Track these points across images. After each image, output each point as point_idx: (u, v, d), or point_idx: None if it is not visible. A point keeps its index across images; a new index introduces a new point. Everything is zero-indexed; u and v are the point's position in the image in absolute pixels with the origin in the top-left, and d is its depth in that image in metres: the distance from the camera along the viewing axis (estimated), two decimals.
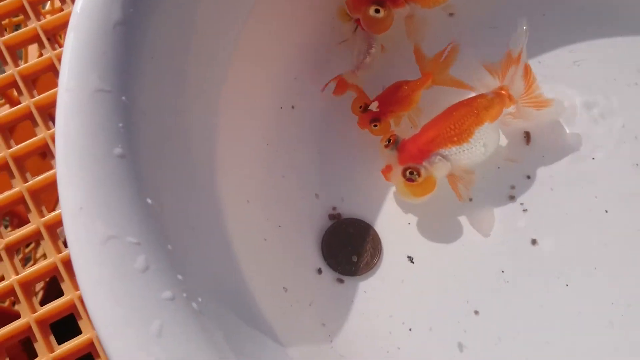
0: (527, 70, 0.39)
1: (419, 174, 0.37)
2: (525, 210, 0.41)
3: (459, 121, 0.38)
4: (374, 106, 0.42)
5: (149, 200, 0.28)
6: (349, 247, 0.40)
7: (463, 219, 0.41)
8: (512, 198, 0.41)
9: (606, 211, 0.40)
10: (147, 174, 0.29)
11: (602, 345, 0.37)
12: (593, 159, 0.42)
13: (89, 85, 0.28)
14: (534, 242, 0.40)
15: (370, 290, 0.39)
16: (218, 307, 0.29)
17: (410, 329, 0.38)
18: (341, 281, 0.39)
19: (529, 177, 0.42)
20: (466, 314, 0.38)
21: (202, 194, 0.33)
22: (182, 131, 0.33)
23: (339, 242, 0.40)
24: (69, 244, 0.26)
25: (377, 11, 0.42)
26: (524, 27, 0.39)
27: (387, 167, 0.39)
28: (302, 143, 0.42)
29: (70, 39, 0.29)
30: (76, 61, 0.29)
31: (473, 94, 0.41)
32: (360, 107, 0.42)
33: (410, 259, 0.40)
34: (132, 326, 0.25)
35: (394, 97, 0.42)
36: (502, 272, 0.39)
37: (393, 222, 0.41)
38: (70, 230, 0.26)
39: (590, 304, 0.38)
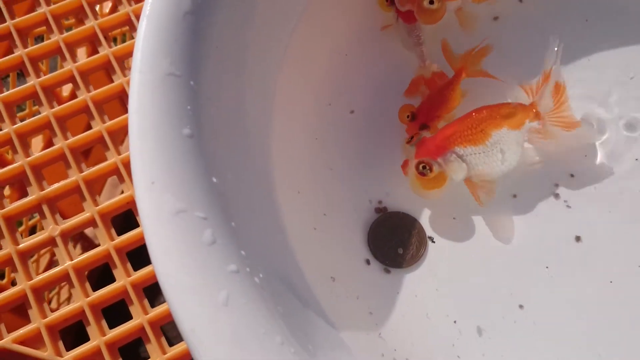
0: (558, 89, 0.39)
1: (430, 169, 0.38)
2: (568, 207, 0.41)
3: (477, 121, 0.39)
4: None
5: (214, 179, 0.29)
6: (394, 240, 0.41)
7: (507, 216, 0.41)
8: (556, 196, 0.42)
9: None
10: (213, 154, 0.30)
11: None
12: (637, 159, 0.42)
13: (161, 69, 0.30)
14: (577, 239, 0.40)
15: (416, 282, 0.40)
16: (277, 285, 0.30)
17: (455, 321, 0.39)
18: (388, 271, 0.40)
19: (572, 175, 0.42)
20: (511, 308, 0.39)
21: (259, 179, 0.34)
22: (242, 118, 0.34)
23: (385, 234, 0.41)
24: (141, 216, 0.27)
25: (431, 2, 0.44)
26: (556, 47, 0.39)
27: (405, 162, 0.40)
28: (349, 138, 0.43)
29: (143, 26, 0.31)
30: (149, 47, 0.30)
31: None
32: (408, 116, 0.43)
33: (453, 253, 0.41)
34: (201, 295, 0.26)
35: (437, 102, 0.43)
36: (547, 267, 0.40)
37: (439, 216, 0.41)
38: (143, 202, 0.27)
39: (634, 303, 0.39)
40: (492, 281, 0.40)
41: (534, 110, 0.40)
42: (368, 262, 0.40)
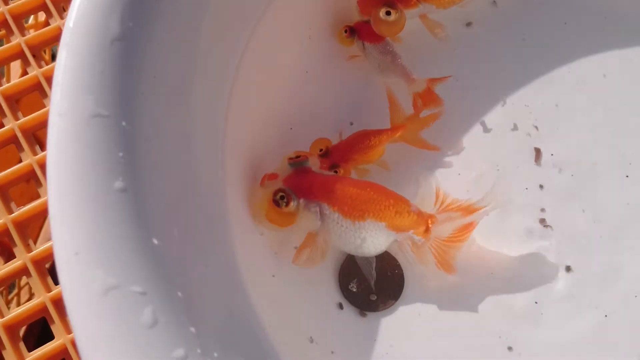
0: (466, 228, 0.34)
1: (287, 204, 0.33)
2: (557, 237, 0.38)
3: (364, 199, 0.33)
4: None
5: (155, 241, 0.25)
6: (367, 282, 0.36)
7: (490, 251, 0.37)
8: (542, 221, 0.38)
9: None
10: (153, 209, 0.25)
11: None
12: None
13: (84, 110, 0.25)
14: (568, 269, 0.37)
15: (395, 326, 0.36)
16: None
17: None
18: (364, 315, 0.36)
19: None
20: (500, 350, 0.35)
21: (212, 226, 0.30)
22: (188, 160, 0.29)
23: (358, 275, 0.37)
24: (64, 296, 0.22)
25: (388, 13, 0.40)
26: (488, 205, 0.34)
27: (272, 174, 0.34)
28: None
29: (63, 57, 0.26)
30: (70, 82, 0.25)
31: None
32: (321, 150, 0.38)
33: (436, 292, 0.37)
34: None
35: (358, 146, 0.38)
36: (536, 303, 0.36)
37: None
38: (65, 279, 0.23)
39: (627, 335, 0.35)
40: (478, 321, 0.36)
41: (426, 228, 0.34)
42: (341, 306, 0.36)
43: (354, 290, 0.36)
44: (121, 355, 0.22)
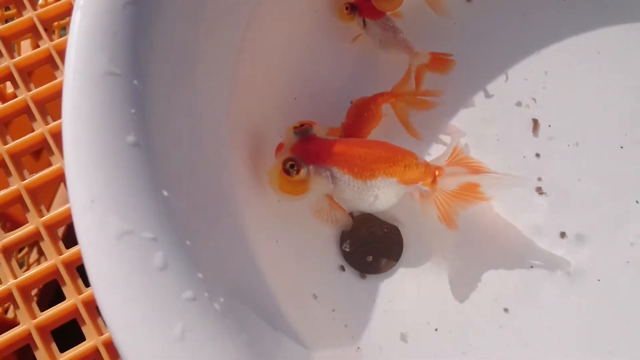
0: (472, 188, 0.35)
1: (297, 172, 0.34)
2: (550, 204, 0.39)
3: (372, 158, 0.34)
4: None
5: (165, 193, 0.26)
6: (369, 245, 0.38)
7: (488, 217, 0.39)
8: (539, 189, 0.39)
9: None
10: (163, 163, 0.27)
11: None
12: None
13: (98, 68, 0.26)
14: (562, 235, 0.38)
15: (393, 288, 0.37)
16: (240, 308, 0.27)
17: (436, 329, 0.36)
18: (363, 277, 0.37)
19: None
20: (496, 311, 0.36)
21: (217, 185, 0.31)
22: (195, 119, 0.31)
23: (358, 238, 0.38)
24: (79, 241, 0.24)
25: None
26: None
27: (280, 145, 0.35)
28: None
29: (77, 18, 0.27)
30: (84, 42, 0.27)
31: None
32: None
33: (435, 255, 0.38)
34: (153, 329, 0.22)
35: (360, 119, 0.39)
36: (531, 267, 0.37)
37: (416, 218, 0.38)
38: (81, 225, 0.24)
39: (624, 300, 0.37)
40: (475, 284, 0.37)
41: (433, 179, 0.35)
42: (343, 268, 0.37)
43: (347, 250, 0.37)
44: (135, 295, 0.23)
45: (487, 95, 0.42)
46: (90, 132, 0.25)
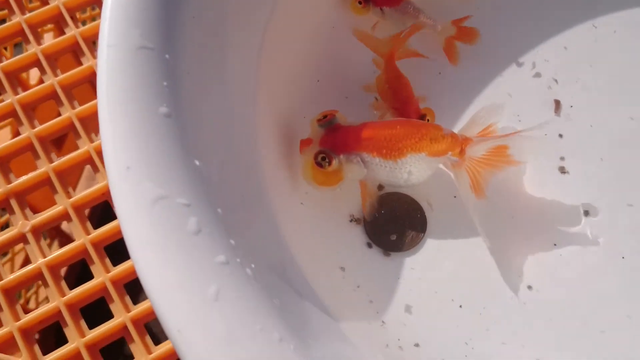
0: (501, 151, 0.35)
1: (329, 163, 0.35)
2: (576, 183, 0.39)
3: (398, 137, 0.35)
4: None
5: (197, 162, 0.26)
6: (392, 224, 0.38)
7: (512, 194, 0.39)
8: (562, 169, 0.40)
9: None
10: (194, 134, 0.27)
11: None
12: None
13: (132, 42, 0.27)
14: (586, 213, 0.38)
15: (417, 266, 0.37)
16: (270, 276, 0.27)
17: (460, 306, 0.36)
18: (387, 255, 0.37)
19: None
20: (519, 289, 0.37)
21: (245, 160, 0.31)
22: (224, 94, 0.31)
23: (382, 217, 0.38)
24: (116, 206, 0.24)
25: None
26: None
27: (307, 139, 0.36)
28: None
29: None
30: (117, 17, 0.27)
31: None
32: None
33: (459, 233, 0.38)
34: (188, 291, 0.23)
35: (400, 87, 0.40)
36: (555, 245, 0.38)
37: (440, 196, 0.39)
38: (118, 192, 0.24)
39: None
40: (499, 260, 0.37)
41: (461, 149, 0.36)
42: (369, 245, 0.38)
43: (371, 229, 0.38)
44: (171, 257, 0.23)
45: (509, 77, 0.42)
46: (124, 102, 0.26)
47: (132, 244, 0.24)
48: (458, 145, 0.36)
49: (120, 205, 0.24)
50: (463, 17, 0.42)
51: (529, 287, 0.37)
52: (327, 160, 0.35)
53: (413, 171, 0.36)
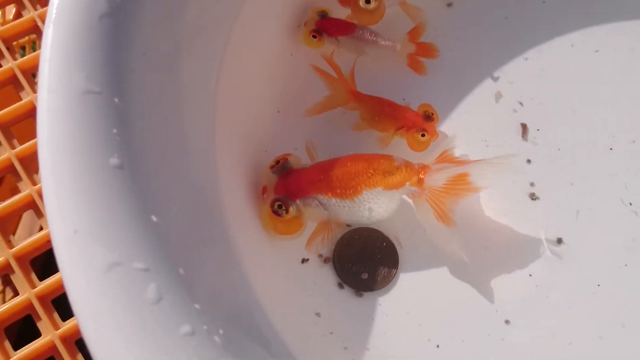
0: (461, 178, 0.34)
1: (287, 210, 0.33)
2: (547, 210, 0.38)
3: (350, 175, 0.34)
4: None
5: (154, 218, 0.24)
6: (363, 261, 0.36)
7: (483, 224, 0.37)
8: (532, 195, 0.39)
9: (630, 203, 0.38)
10: (149, 186, 0.25)
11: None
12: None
13: (76, 86, 0.24)
14: (559, 241, 0.37)
15: (390, 305, 0.35)
16: (241, 339, 0.25)
17: (437, 346, 0.35)
18: (360, 295, 0.35)
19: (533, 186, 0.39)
20: (497, 324, 0.35)
21: (206, 205, 0.29)
22: (181, 137, 0.29)
23: (352, 255, 0.36)
24: (63, 275, 0.22)
25: (367, 1, 0.40)
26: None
27: (263, 188, 0.35)
28: (300, 149, 0.38)
29: (50, 33, 0.25)
30: (59, 58, 0.24)
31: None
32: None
33: (431, 269, 0.37)
34: None
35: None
36: (530, 275, 0.36)
37: (410, 229, 0.37)
38: (64, 258, 0.22)
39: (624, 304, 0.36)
40: (474, 295, 0.36)
41: (419, 178, 0.34)
42: (341, 285, 0.36)
43: (342, 268, 0.36)
44: (128, 332, 0.21)
45: (474, 101, 0.41)
46: (70, 155, 0.23)
47: (83, 321, 0.21)
48: (415, 175, 0.34)
49: (67, 275, 0.21)
50: (415, 28, 0.41)
51: (507, 322, 0.35)
52: (283, 208, 0.33)
53: (374, 207, 0.34)
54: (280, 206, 0.33)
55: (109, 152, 0.24)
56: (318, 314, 0.34)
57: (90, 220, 0.22)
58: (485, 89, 0.42)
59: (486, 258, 0.37)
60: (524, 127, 0.40)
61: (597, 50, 0.43)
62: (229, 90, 0.34)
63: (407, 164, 0.34)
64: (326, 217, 0.34)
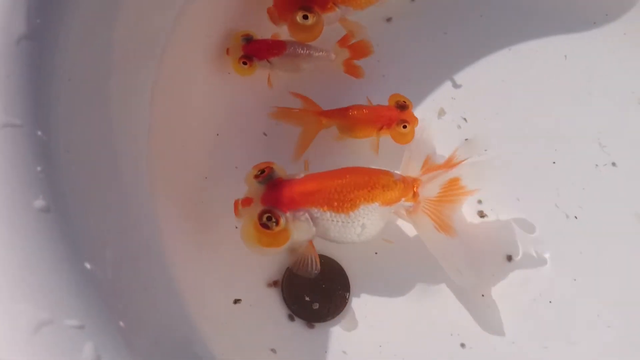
0: (454, 184, 0.34)
1: (277, 223, 0.30)
2: (495, 226, 0.38)
3: (349, 187, 0.32)
4: None
5: (88, 265, 0.21)
6: (313, 290, 0.34)
7: (431, 247, 0.37)
8: (480, 213, 0.38)
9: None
10: (81, 229, 0.22)
11: None
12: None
13: None
14: (509, 258, 0.37)
15: (342, 337, 0.34)
16: None
17: None
18: (312, 326, 0.34)
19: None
20: (453, 348, 0.34)
21: (145, 243, 0.27)
22: (114, 167, 0.26)
23: (302, 284, 0.34)
24: None
25: (305, 17, 0.38)
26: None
27: (246, 200, 0.31)
28: (240, 167, 0.36)
29: None
30: None
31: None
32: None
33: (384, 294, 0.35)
34: None
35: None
36: (482, 296, 0.36)
37: (358, 253, 0.36)
38: None
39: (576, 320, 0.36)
40: (431, 319, 0.35)
41: (414, 191, 0.33)
42: (292, 317, 0.34)
43: (292, 299, 0.34)
44: None
45: (419, 117, 0.41)
46: None
47: None
48: (410, 189, 0.33)
49: None
50: (344, 36, 0.40)
51: (462, 345, 0.35)
52: (273, 220, 0.30)
53: (366, 224, 0.32)
54: (269, 218, 0.30)
55: (33, 193, 0.21)
56: (274, 350, 0.32)
57: (12, 273, 0.19)
58: (427, 105, 0.41)
59: (436, 280, 0.36)
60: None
61: (534, 60, 0.43)
62: (164, 116, 0.32)
63: (404, 179, 0.33)
64: (312, 234, 0.32)
